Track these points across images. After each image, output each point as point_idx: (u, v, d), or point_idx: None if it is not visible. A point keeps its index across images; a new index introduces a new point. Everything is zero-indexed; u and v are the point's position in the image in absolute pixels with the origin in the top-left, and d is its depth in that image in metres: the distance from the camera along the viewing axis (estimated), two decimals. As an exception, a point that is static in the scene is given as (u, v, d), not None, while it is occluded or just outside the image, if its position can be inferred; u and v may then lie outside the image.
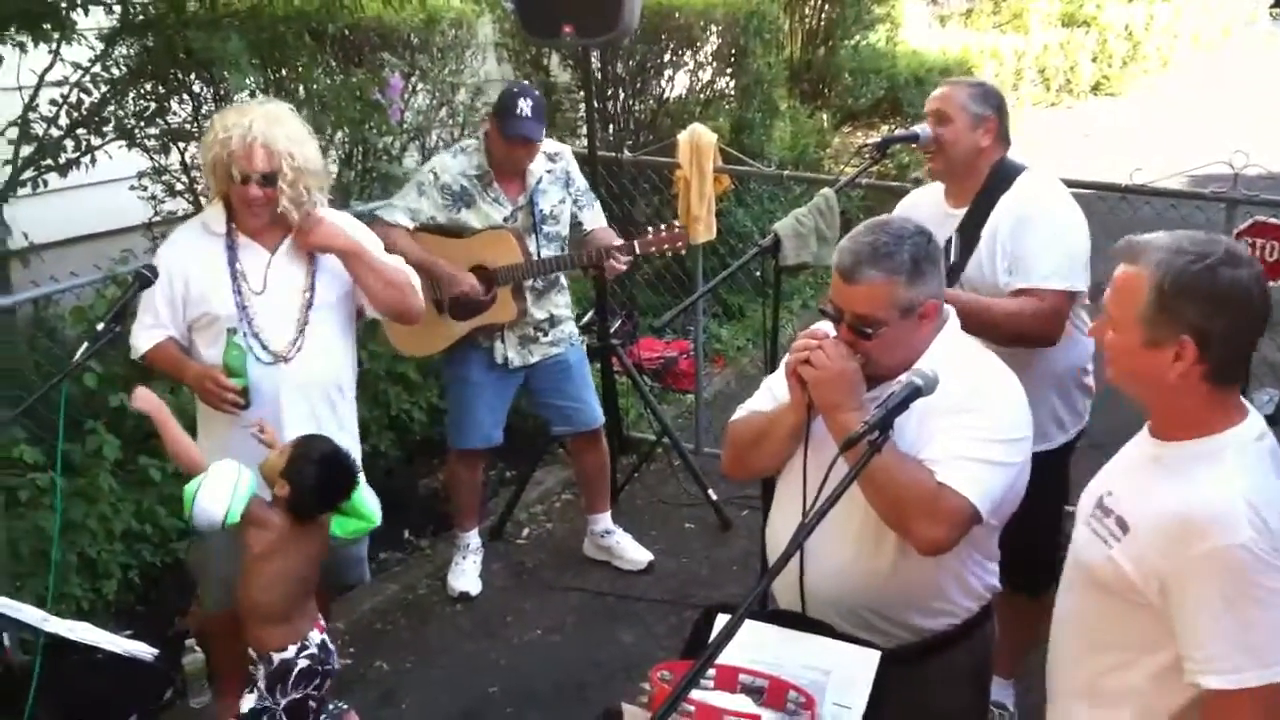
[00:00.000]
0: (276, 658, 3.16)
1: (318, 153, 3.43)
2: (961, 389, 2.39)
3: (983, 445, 2.39)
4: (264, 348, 3.37)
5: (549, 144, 4.53)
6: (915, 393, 2.24)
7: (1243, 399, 2.15)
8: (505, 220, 4.41)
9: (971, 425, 2.40)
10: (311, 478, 3.13)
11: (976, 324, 2.91)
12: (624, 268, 4.52)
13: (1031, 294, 3.20)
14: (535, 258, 4.43)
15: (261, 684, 3.15)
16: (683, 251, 5.10)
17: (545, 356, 4.58)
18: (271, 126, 3.26)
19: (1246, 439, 2.08)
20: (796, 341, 2.51)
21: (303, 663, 3.20)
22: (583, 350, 4.84)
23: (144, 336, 3.43)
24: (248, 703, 3.15)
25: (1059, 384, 3.41)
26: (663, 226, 4.52)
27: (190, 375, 3.38)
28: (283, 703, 3.16)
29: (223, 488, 3.04)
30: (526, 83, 4.70)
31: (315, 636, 3.24)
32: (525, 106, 4.28)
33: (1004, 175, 3.37)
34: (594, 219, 4.66)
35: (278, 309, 3.39)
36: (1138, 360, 2.10)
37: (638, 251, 4.49)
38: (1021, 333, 3.17)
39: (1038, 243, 3.24)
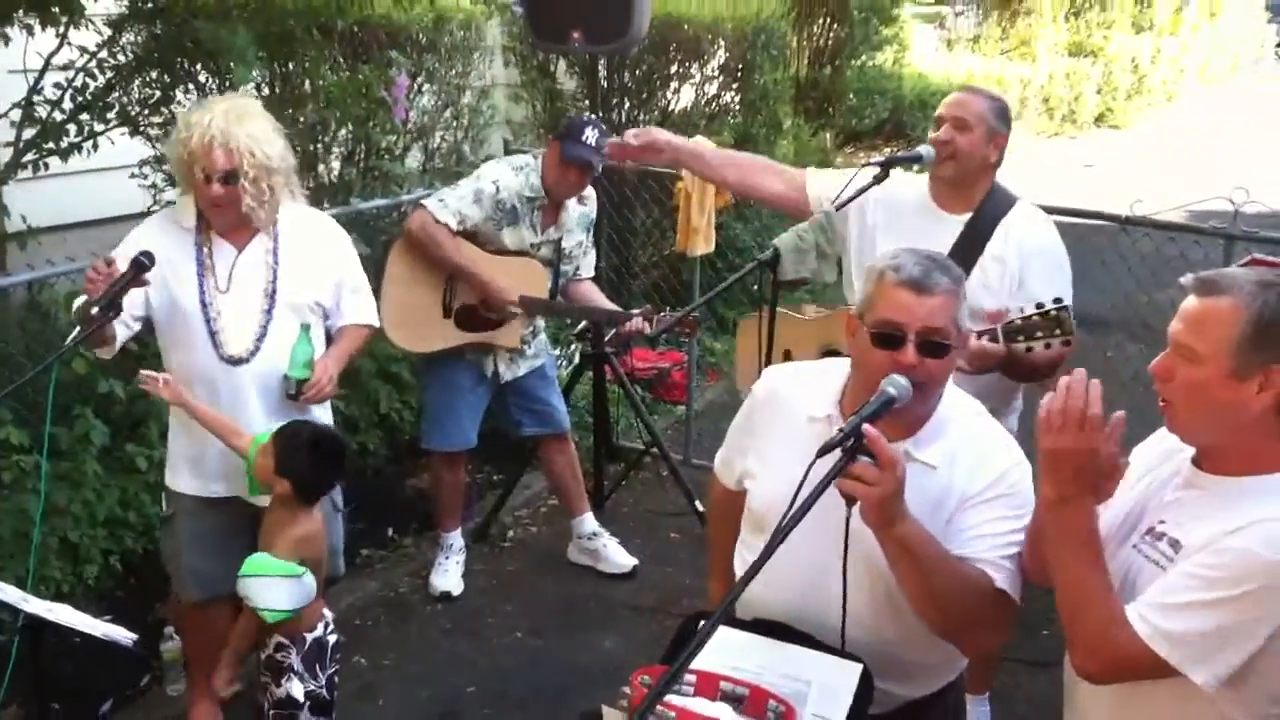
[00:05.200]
0: (309, 638, 3.18)
1: (284, 149, 3.35)
2: (988, 472, 2.32)
3: (1020, 531, 2.30)
4: (221, 347, 3.31)
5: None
6: (889, 402, 2.17)
7: None
8: (532, 247, 4.46)
9: (1005, 512, 2.31)
10: (307, 466, 3.14)
11: (1011, 360, 3.03)
12: (637, 331, 4.49)
13: None
14: (557, 299, 4.57)
15: (298, 667, 3.16)
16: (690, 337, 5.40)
17: (530, 369, 4.66)
18: (232, 124, 3.20)
19: None
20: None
21: (332, 638, 3.26)
22: (553, 357, 4.94)
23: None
24: (295, 690, 3.15)
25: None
26: (678, 314, 4.39)
27: None
28: (323, 679, 3.21)
29: (277, 587, 3.08)
30: (596, 117, 4.72)
31: (328, 613, 3.30)
32: (591, 136, 4.33)
33: (1001, 199, 3.42)
34: (588, 267, 4.76)
35: (241, 309, 3.33)
36: (1218, 392, 2.02)
37: (649, 330, 4.44)
38: (1043, 370, 3.10)
39: (1054, 277, 3.26)
